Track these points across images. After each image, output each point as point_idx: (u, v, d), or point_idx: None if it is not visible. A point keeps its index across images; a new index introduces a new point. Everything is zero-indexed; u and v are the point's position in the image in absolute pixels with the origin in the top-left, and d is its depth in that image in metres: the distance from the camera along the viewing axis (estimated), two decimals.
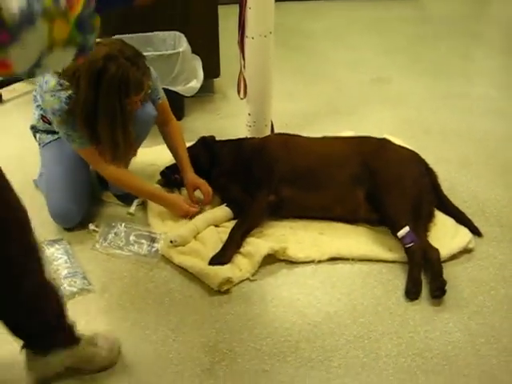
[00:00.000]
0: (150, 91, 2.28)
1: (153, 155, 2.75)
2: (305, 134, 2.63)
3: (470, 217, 2.37)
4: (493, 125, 3.26)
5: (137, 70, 2.06)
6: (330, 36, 4.75)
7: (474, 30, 4.85)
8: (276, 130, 2.90)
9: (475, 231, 2.32)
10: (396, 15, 5.24)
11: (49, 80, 2.15)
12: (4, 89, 3.52)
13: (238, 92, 2.78)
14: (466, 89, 3.73)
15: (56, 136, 2.39)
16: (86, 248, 2.26)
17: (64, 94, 2.13)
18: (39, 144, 2.48)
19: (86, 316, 1.95)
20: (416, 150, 2.54)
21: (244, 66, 2.68)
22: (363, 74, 3.96)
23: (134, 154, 2.40)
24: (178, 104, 3.14)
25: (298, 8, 5.31)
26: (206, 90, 3.47)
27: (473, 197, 2.58)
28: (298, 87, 3.78)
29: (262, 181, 2.36)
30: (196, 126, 3.17)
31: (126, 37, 2.96)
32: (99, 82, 2.01)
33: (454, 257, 2.20)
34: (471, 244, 2.25)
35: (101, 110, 2.05)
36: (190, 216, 2.36)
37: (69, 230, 2.35)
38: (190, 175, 2.45)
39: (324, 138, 2.60)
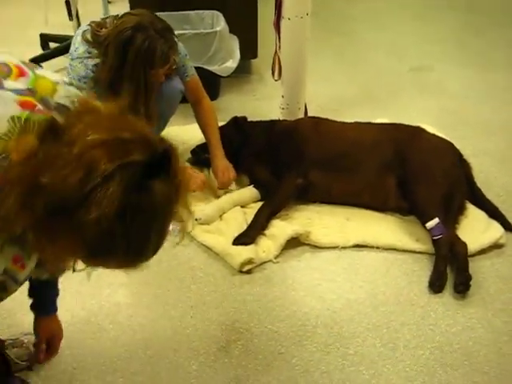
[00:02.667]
0: (175, 67, 2.28)
1: (184, 134, 2.76)
2: (339, 119, 2.59)
3: (503, 212, 2.30)
4: None
5: (164, 43, 2.07)
6: (372, 20, 4.65)
7: None
8: (310, 113, 2.87)
9: (508, 226, 2.25)
10: (443, 2, 5.08)
11: (78, 47, 2.18)
12: (45, 62, 3.58)
13: (273, 73, 2.75)
14: None
15: None
16: None
17: (91, 62, 2.15)
18: None
19: (107, 288, 1.99)
20: (453, 141, 2.47)
21: (279, 47, 2.65)
22: (404, 62, 3.86)
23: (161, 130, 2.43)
24: (214, 83, 3.14)
25: None
26: (243, 70, 3.46)
27: (507, 191, 2.49)
28: (336, 71, 3.72)
29: (290, 163, 2.34)
30: (231, 106, 3.16)
31: (164, 14, 2.97)
32: (126, 51, 2.03)
33: (483, 251, 2.14)
34: (502, 239, 2.19)
35: (125, 78, 2.07)
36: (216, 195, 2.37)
37: None
38: (215, 163, 2.41)
39: (356, 123, 2.55)
